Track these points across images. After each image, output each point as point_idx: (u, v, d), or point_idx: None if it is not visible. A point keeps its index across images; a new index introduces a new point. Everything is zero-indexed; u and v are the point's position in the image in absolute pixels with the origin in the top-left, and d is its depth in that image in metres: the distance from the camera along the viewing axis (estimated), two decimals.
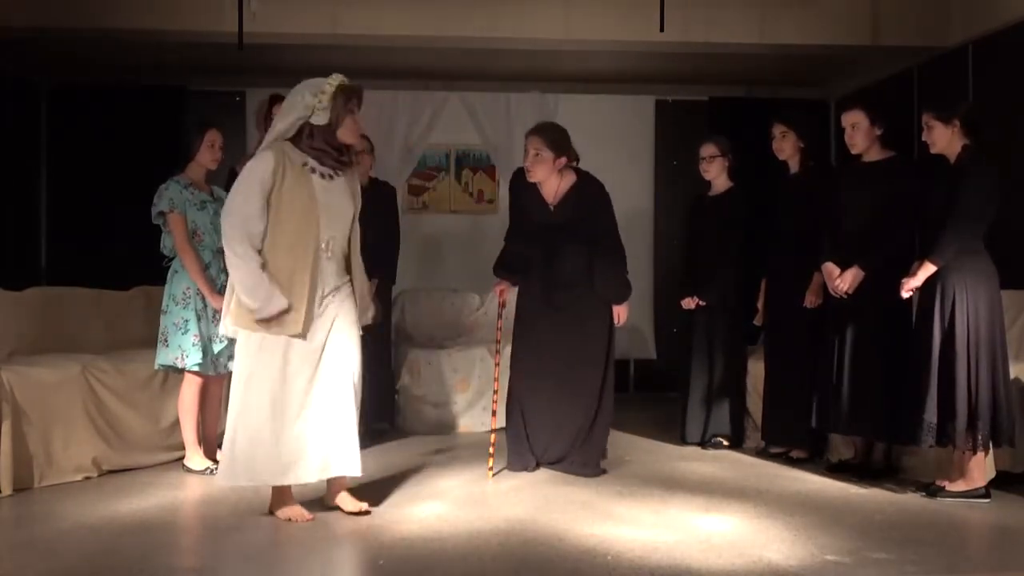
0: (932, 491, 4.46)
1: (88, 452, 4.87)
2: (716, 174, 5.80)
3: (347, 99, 3.93)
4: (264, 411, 3.84)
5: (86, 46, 6.77)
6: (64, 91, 7.82)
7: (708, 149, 5.80)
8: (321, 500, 4.20)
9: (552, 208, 4.95)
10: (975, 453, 4.36)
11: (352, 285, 4.07)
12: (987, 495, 4.41)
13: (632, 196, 8.04)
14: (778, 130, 5.43)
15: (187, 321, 4.87)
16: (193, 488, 4.66)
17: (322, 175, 3.93)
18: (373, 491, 4.34)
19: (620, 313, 4.97)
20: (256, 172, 3.86)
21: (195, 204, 4.98)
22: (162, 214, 4.92)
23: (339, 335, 3.96)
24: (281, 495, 4.04)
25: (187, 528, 4.00)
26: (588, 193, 4.95)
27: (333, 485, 4.12)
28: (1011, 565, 3.63)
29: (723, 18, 6.46)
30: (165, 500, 4.42)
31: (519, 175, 5.09)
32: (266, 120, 4.61)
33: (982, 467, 4.40)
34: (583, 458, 4.94)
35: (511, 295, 5.16)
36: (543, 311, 4.93)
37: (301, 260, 3.85)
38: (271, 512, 4.05)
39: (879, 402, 4.69)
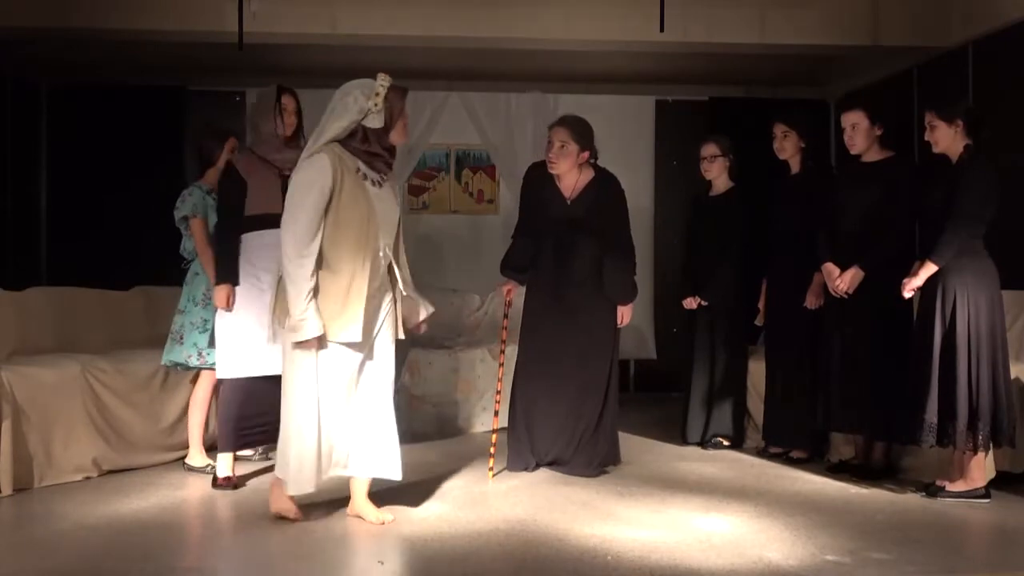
0: (932, 491, 4.46)
1: (88, 452, 4.87)
2: (717, 174, 5.80)
3: (400, 99, 3.89)
4: (320, 418, 3.81)
5: (86, 46, 6.77)
6: (64, 91, 7.83)
7: (709, 149, 5.80)
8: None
9: (569, 202, 4.93)
10: (976, 453, 4.36)
11: (394, 289, 4.02)
12: (987, 495, 4.40)
13: (632, 196, 7.87)
14: (780, 130, 5.43)
15: (206, 321, 4.90)
16: (193, 488, 4.66)
17: (373, 182, 3.87)
18: (373, 491, 4.33)
19: (624, 314, 4.96)
20: (311, 179, 3.75)
21: (215, 209, 5.03)
22: (185, 219, 4.99)
23: (383, 341, 3.96)
24: (282, 490, 4.00)
25: (187, 528, 4.00)
26: (607, 190, 4.95)
27: (356, 492, 4.06)
28: (1011, 565, 3.63)
29: (723, 18, 6.46)
30: (165, 500, 4.42)
31: (536, 168, 5.07)
32: (275, 112, 4.53)
33: (982, 467, 4.40)
34: (585, 458, 4.93)
35: (517, 294, 5.12)
36: (552, 309, 4.91)
37: (361, 268, 3.79)
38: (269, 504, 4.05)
39: (880, 401, 4.69)
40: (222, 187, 4.66)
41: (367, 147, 3.85)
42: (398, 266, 4.01)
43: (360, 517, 4.02)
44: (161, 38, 6.43)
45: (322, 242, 3.77)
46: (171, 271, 5.22)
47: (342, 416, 3.86)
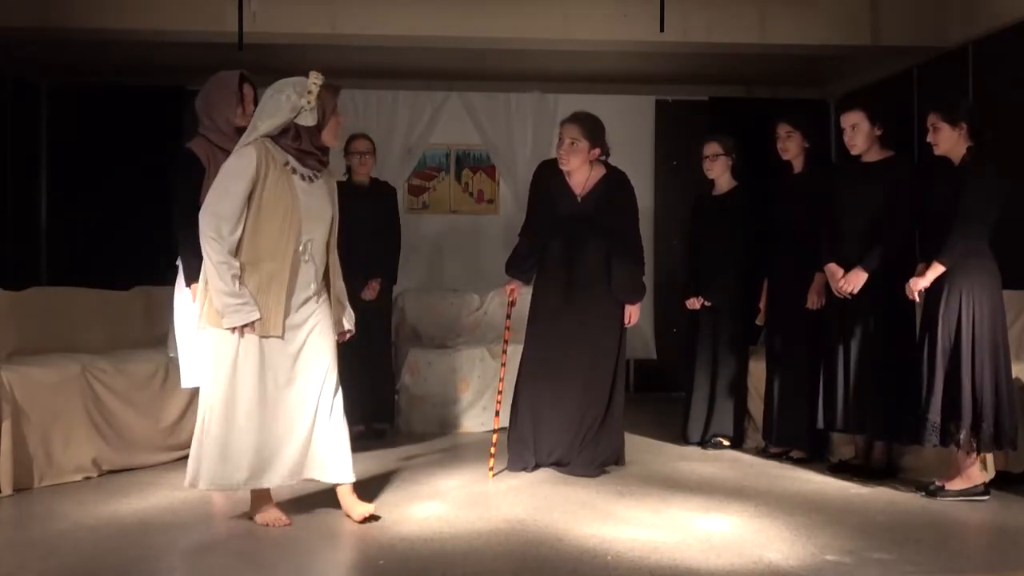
0: (932, 491, 4.45)
1: (88, 452, 4.87)
2: (719, 173, 5.80)
3: (332, 97, 3.88)
4: (236, 412, 3.79)
5: (86, 46, 6.78)
6: (64, 91, 7.83)
7: (711, 148, 5.79)
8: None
9: (580, 199, 4.92)
10: (978, 454, 4.36)
11: (329, 291, 4.01)
12: (986, 492, 4.41)
13: None
14: (783, 130, 5.42)
15: None
16: (192, 488, 4.65)
17: (303, 176, 3.86)
18: (373, 491, 4.34)
19: (632, 313, 4.95)
20: (240, 169, 3.77)
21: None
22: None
23: (316, 340, 3.91)
24: (260, 499, 3.99)
25: (187, 528, 4.00)
26: (617, 188, 4.94)
27: (340, 493, 4.04)
28: (1011, 565, 3.63)
29: (723, 18, 6.46)
30: (165, 500, 4.42)
31: (545, 166, 5.06)
32: (237, 99, 4.41)
33: (979, 465, 4.41)
34: (586, 458, 4.92)
35: (521, 294, 5.08)
36: (561, 308, 4.88)
37: (280, 261, 3.79)
38: (250, 517, 4.01)
39: (882, 401, 4.69)
40: (180, 173, 4.38)
41: (299, 144, 3.85)
42: (330, 266, 4.00)
43: (350, 516, 4.01)
44: (161, 38, 6.43)
45: (243, 233, 3.77)
46: (171, 271, 5.21)
47: (272, 416, 3.81)
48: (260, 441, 3.82)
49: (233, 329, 3.73)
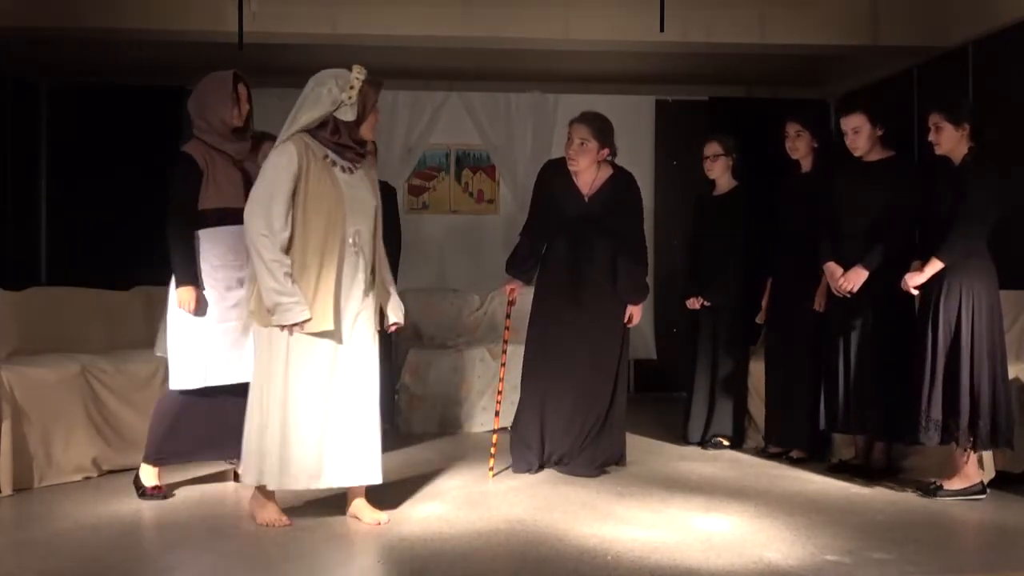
0: (931, 490, 4.46)
1: (88, 452, 4.87)
2: (720, 173, 5.80)
3: (373, 93, 3.86)
4: (296, 411, 3.77)
5: (86, 46, 6.77)
6: (64, 91, 7.83)
7: (712, 148, 5.79)
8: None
9: (587, 199, 4.90)
10: (976, 451, 4.36)
11: (374, 279, 3.97)
12: (983, 491, 4.42)
13: None
14: (793, 129, 5.41)
15: None
16: (193, 488, 4.66)
17: (343, 168, 3.85)
18: (373, 491, 4.33)
19: (634, 313, 4.93)
20: (282, 166, 3.74)
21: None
22: None
23: (362, 335, 3.89)
24: (264, 496, 3.98)
25: (187, 528, 4.00)
26: (624, 188, 4.93)
27: (350, 493, 4.05)
28: (1010, 565, 3.63)
29: (723, 18, 6.46)
30: (165, 500, 4.41)
31: (551, 165, 5.04)
32: (233, 99, 4.34)
33: (977, 464, 4.42)
34: (587, 458, 4.90)
35: (522, 294, 5.04)
36: (565, 308, 4.85)
37: (329, 255, 3.76)
38: (251, 516, 4.02)
39: (881, 401, 4.69)
40: (175, 175, 4.32)
41: (337, 138, 3.83)
42: (376, 257, 3.98)
43: (357, 518, 4.02)
44: (161, 38, 6.43)
45: (292, 230, 3.75)
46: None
47: (314, 413, 3.79)
48: (320, 439, 3.80)
49: (283, 327, 3.71)
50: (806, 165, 5.45)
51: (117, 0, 6.19)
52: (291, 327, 3.71)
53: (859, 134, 4.82)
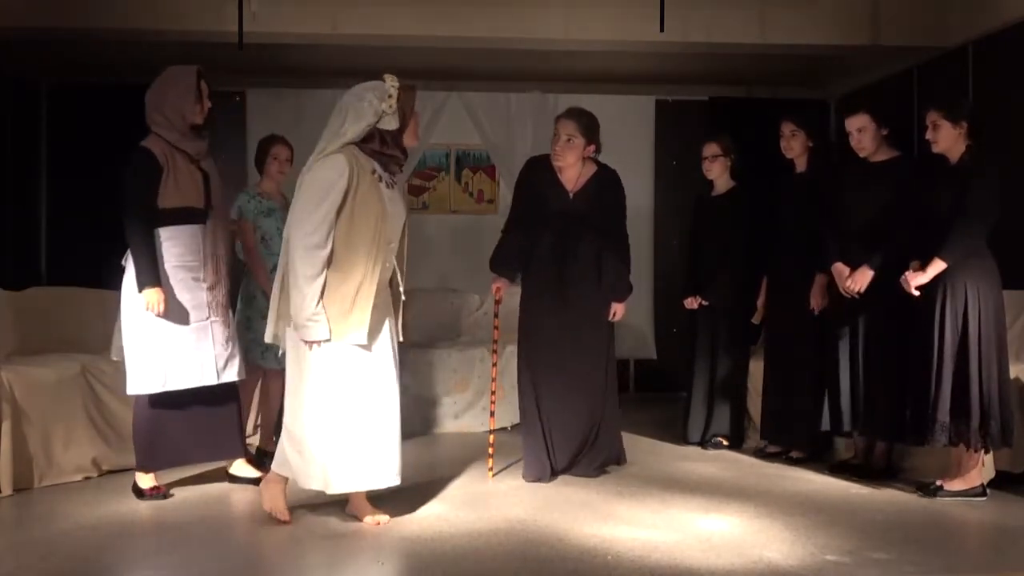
0: (931, 490, 4.46)
1: (88, 452, 4.87)
2: (718, 173, 5.80)
3: (412, 99, 3.91)
4: (342, 416, 3.81)
5: (86, 46, 6.77)
6: (64, 91, 7.82)
7: (711, 148, 5.80)
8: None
9: (572, 196, 4.88)
10: (987, 452, 4.36)
11: (392, 291, 4.04)
12: (984, 493, 4.42)
13: (632, 196, 7.85)
14: (788, 128, 5.41)
15: (249, 319, 4.97)
16: (193, 488, 4.66)
17: (387, 184, 3.89)
18: (373, 491, 4.33)
19: (618, 310, 4.92)
20: (332, 180, 3.74)
21: (263, 212, 5.11)
22: (233, 222, 5.01)
23: (385, 345, 3.94)
24: (275, 481, 4.02)
25: (186, 528, 4.00)
26: (609, 186, 4.91)
27: (353, 495, 4.05)
28: (1011, 565, 3.63)
29: (723, 18, 6.46)
30: (164, 500, 4.41)
31: (535, 162, 5.02)
32: (196, 95, 4.30)
33: (980, 466, 4.41)
34: (587, 459, 4.89)
35: (509, 293, 5.03)
36: (552, 306, 4.83)
37: (372, 270, 3.79)
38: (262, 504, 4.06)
39: (888, 403, 4.68)
40: (136, 173, 4.24)
41: (384, 149, 3.87)
42: (400, 270, 4.02)
43: (356, 518, 4.02)
44: (161, 38, 6.42)
45: (334, 243, 3.76)
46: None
47: (355, 418, 3.84)
48: (367, 443, 3.84)
49: (307, 343, 3.76)
50: (801, 165, 5.45)
51: (117, 0, 6.19)
52: (310, 343, 3.75)
53: (864, 134, 4.82)
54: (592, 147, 4.87)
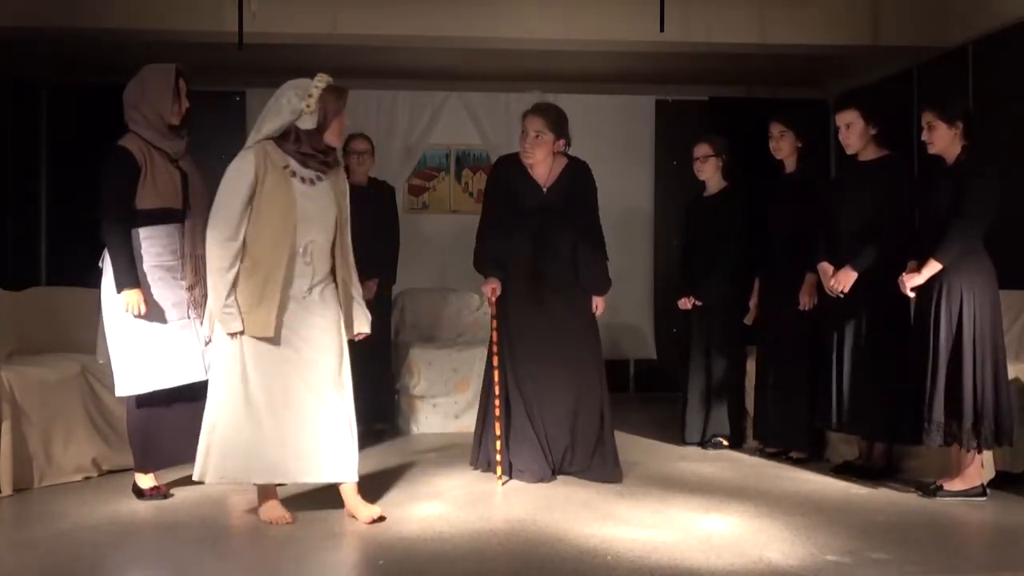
0: (931, 491, 4.46)
1: (88, 452, 4.87)
2: (710, 174, 5.80)
3: (335, 100, 3.90)
4: (237, 408, 3.86)
5: (86, 46, 6.77)
6: (64, 91, 7.82)
7: (702, 149, 5.80)
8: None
9: (545, 191, 4.86)
10: (980, 452, 4.36)
11: (337, 288, 4.03)
12: (984, 493, 4.42)
13: (632, 196, 8.04)
14: (776, 129, 5.43)
15: None
16: (193, 488, 4.65)
17: (303, 179, 3.90)
18: (373, 491, 4.34)
19: (599, 304, 4.87)
20: (241, 172, 3.85)
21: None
22: None
23: (321, 338, 3.93)
24: (266, 496, 4.03)
25: (187, 528, 3.99)
26: (581, 178, 4.89)
27: (344, 493, 4.05)
28: (1011, 565, 3.63)
29: (723, 18, 6.46)
30: (164, 500, 4.41)
31: (505, 160, 5.01)
32: (174, 94, 4.30)
33: (979, 466, 4.41)
34: (598, 460, 4.80)
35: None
36: (532, 305, 4.78)
37: (276, 263, 3.83)
38: (256, 513, 4.05)
39: (880, 402, 4.69)
40: (113, 172, 4.17)
41: (299, 147, 3.89)
42: (341, 267, 4.03)
43: (353, 517, 4.02)
44: (161, 38, 6.42)
45: (245, 236, 3.83)
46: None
47: (268, 413, 3.85)
48: (263, 438, 3.86)
49: (229, 335, 3.85)
50: (790, 165, 5.46)
51: (117, 0, 6.19)
52: (230, 334, 3.85)
53: (851, 130, 4.82)
54: (562, 142, 4.84)
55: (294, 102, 3.86)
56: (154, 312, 4.19)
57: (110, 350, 4.25)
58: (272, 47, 6.54)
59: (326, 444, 3.90)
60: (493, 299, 4.89)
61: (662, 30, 5.89)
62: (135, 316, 4.13)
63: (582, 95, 7.96)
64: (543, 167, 4.87)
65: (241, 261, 3.84)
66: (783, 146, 5.42)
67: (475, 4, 6.36)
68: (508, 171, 4.94)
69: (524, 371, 4.81)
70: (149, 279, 4.20)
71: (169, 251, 4.24)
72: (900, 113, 6.73)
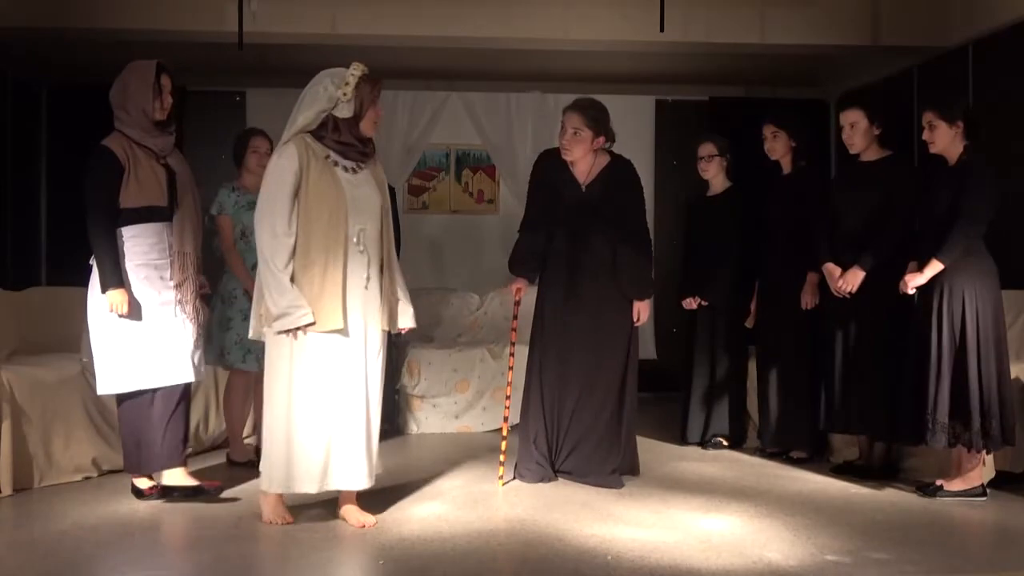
0: (931, 491, 4.45)
1: (88, 452, 4.87)
2: (714, 173, 5.80)
3: (370, 90, 3.86)
4: (301, 415, 3.79)
5: (86, 46, 6.77)
6: (64, 91, 7.82)
7: (706, 148, 5.80)
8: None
9: (584, 187, 4.76)
10: (988, 452, 4.36)
11: (381, 283, 3.96)
12: (984, 493, 4.42)
13: None
14: (769, 130, 5.44)
15: (230, 320, 4.93)
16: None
17: (345, 168, 3.85)
18: (373, 490, 4.33)
19: (641, 311, 4.77)
20: (283, 167, 3.78)
21: (244, 206, 5.03)
22: (211, 217, 4.99)
23: (370, 334, 3.90)
24: (270, 498, 3.99)
25: (187, 528, 4.00)
26: (622, 175, 4.78)
27: (341, 494, 4.04)
28: (1011, 565, 3.63)
29: (723, 18, 6.46)
30: (164, 500, 4.41)
31: (547, 155, 4.90)
32: (155, 91, 4.26)
33: (979, 465, 4.41)
34: (598, 465, 4.74)
35: (527, 293, 4.90)
36: (566, 305, 4.70)
37: (333, 254, 3.76)
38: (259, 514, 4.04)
39: (884, 402, 4.68)
40: (96, 172, 4.18)
41: (337, 136, 3.84)
42: (385, 258, 3.97)
43: (344, 520, 4.00)
44: (161, 38, 6.42)
45: (297, 231, 3.77)
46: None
47: (320, 416, 3.80)
48: (327, 441, 3.82)
49: (289, 331, 3.74)
50: (786, 166, 5.46)
51: (117, 0, 6.19)
52: (295, 331, 3.73)
53: (855, 130, 4.82)
54: (602, 138, 4.73)
55: (331, 90, 3.81)
56: (138, 312, 4.15)
57: (93, 348, 4.23)
58: (272, 47, 6.54)
59: (361, 449, 3.87)
60: (517, 298, 4.84)
61: (662, 30, 5.89)
62: (119, 316, 4.10)
63: (582, 95, 7.93)
64: (584, 164, 4.77)
65: (293, 257, 3.76)
66: (777, 147, 5.43)
67: (475, 4, 6.36)
68: (550, 165, 4.84)
69: (548, 371, 4.75)
70: (136, 278, 4.17)
71: (156, 249, 4.20)
72: (900, 113, 6.73)
